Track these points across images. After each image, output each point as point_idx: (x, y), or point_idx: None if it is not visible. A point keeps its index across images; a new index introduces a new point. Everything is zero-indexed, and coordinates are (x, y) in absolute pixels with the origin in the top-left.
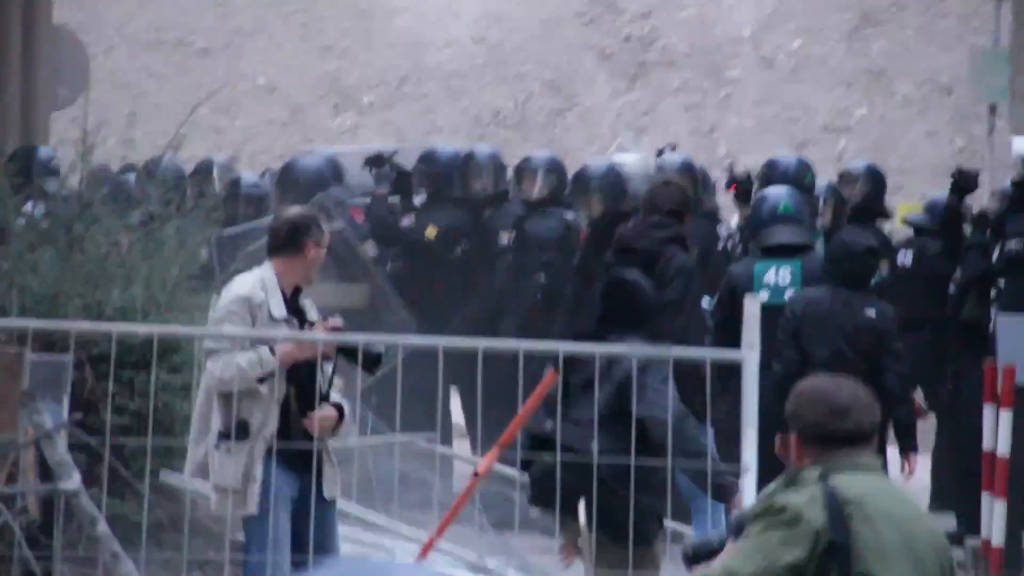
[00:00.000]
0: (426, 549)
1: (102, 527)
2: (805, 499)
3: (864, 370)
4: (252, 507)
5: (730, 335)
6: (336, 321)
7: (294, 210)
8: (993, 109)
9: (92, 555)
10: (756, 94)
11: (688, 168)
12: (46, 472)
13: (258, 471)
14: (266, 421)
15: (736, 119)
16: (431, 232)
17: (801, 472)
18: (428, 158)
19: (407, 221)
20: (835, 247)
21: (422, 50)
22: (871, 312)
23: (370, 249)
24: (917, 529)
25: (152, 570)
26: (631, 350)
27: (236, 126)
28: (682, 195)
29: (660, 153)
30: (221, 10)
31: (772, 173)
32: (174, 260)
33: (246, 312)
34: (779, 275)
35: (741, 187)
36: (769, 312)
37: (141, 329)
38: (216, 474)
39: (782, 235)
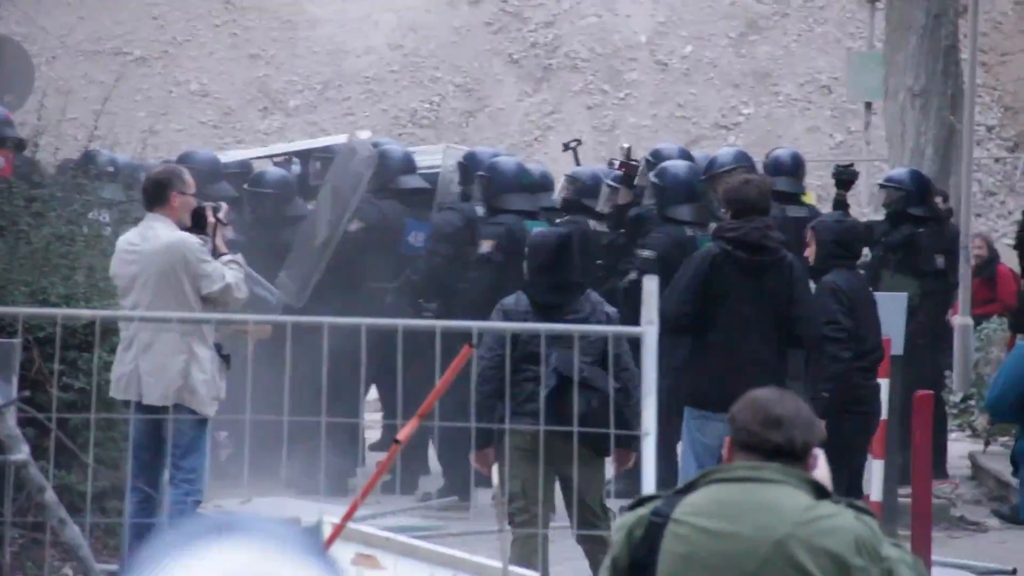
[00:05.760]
0: (350, 514)
1: (49, 495)
2: (632, 519)
3: None
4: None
5: None
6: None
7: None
8: (868, 107)
9: (41, 521)
10: (652, 95)
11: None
12: None
13: None
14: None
15: (634, 118)
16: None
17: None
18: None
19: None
20: (838, 230)
21: (343, 57)
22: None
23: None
24: (760, 548)
25: (96, 535)
26: (541, 327)
27: (171, 128)
28: (768, 189)
29: (566, 148)
30: (156, 22)
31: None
32: (112, 250)
33: None
34: None
35: (629, 171)
36: None
37: (84, 313)
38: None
39: None
